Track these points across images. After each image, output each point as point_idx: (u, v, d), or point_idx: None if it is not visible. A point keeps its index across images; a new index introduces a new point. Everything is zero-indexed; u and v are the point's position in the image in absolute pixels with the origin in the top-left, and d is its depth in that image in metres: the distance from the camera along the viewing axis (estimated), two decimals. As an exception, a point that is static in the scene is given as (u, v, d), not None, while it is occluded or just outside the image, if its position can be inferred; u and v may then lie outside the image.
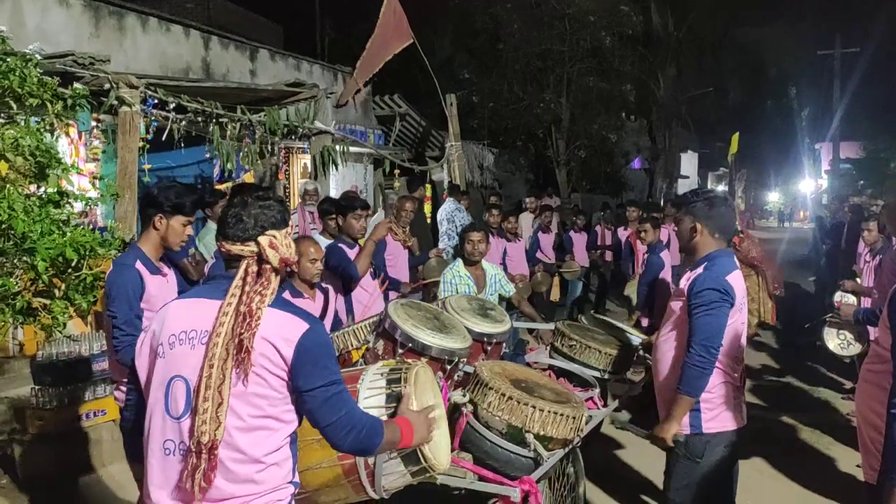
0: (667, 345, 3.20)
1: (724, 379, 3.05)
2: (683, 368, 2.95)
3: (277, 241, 1.98)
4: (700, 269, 3.04)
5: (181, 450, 1.89)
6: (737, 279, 3.01)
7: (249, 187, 4.98)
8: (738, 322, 3.03)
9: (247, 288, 1.92)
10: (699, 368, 2.90)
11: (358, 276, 4.81)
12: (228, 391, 1.86)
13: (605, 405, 4.07)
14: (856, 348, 4.98)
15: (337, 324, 4.31)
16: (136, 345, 2.05)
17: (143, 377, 2.02)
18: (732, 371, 3.08)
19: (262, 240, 1.96)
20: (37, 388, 4.87)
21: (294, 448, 2.03)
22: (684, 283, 3.10)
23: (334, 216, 5.45)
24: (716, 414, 3.04)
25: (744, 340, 3.14)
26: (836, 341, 4.98)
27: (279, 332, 1.91)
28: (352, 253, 4.91)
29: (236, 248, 1.97)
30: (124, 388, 3.28)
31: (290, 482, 2.02)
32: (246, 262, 1.96)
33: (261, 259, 1.97)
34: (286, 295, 3.99)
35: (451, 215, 8.75)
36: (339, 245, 4.91)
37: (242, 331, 1.86)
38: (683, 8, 19.84)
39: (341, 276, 4.87)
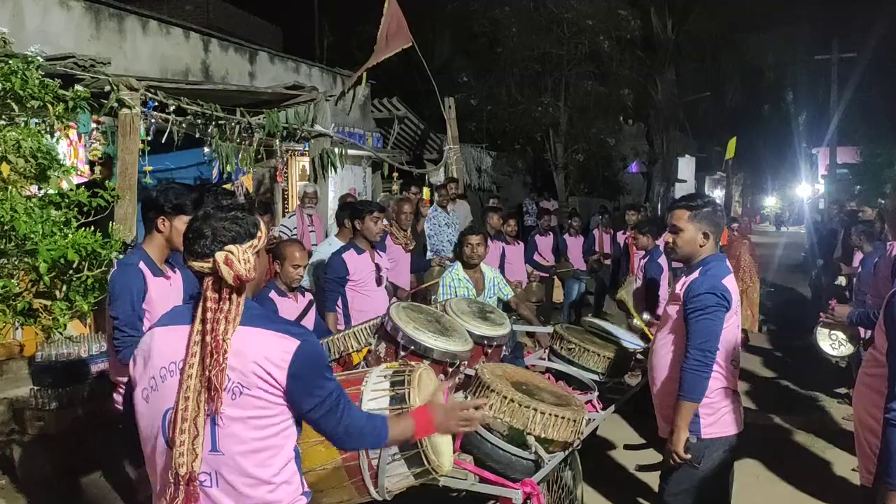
0: (663, 350, 3.16)
1: (722, 384, 3.03)
2: (682, 374, 2.92)
3: (234, 257, 1.87)
4: (695, 274, 3.01)
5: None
6: (732, 283, 3.00)
7: (216, 192, 4.98)
8: (733, 326, 3.01)
9: (209, 315, 1.85)
10: (698, 373, 2.88)
11: (322, 312, 4.80)
12: (204, 423, 1.84)
13: (603, 408, 4.09)
14: (847, 349, 5.00)
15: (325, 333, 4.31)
16: (129, 367, 2.03)
17: (136, 403, 2.01)
18: (730, 375, 3.06)
19: (219, 256, 1.86)
20: (36, 388, 4.87)
21: (298, 462, 2.03)
22: (680, 287, 3.06)
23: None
24: (714, 419, 3.02)
25: (739, 344, 3.12)
26: (828, 341, 5.00)
27: (268, 354, 1.87)
28: (359, 259, 4.93)
29: (197, 265, 1.90)
30: (122, 391, 3.31)
31: (303, 494, 2.02)
32: (206, 281, 1.89)
33: (219, 276, 1.89)
34: (272, 294, 4.02)
35: (428, 215, 8.63)
36: (342, 256, 4.91)
37: (210, 366, 1.82)
38: (682, 12, 19.91)
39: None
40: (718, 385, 3.01)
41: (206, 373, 1.82)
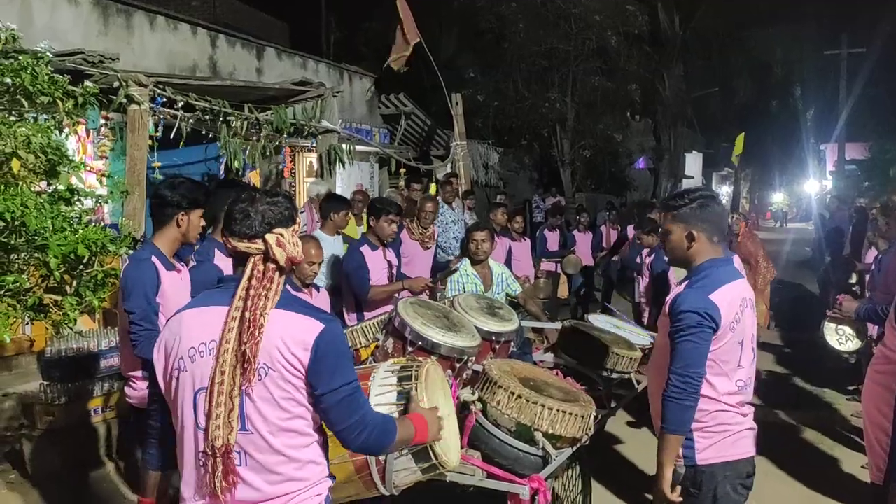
0: (654, 370, 2.88)
1: (720, 407, 2.65)
2: (663, 403, 2.57)
3: (285, 240, 1.94)
4: (682, 287, 2.68)
5: None
6: (727, 294, 2.60)
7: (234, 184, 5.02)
8: (731, 343, 2.62)
9: (251, 292, 1.89)
10: (678, 402, 2.53)
11: (363, 296, 4.83)
12: (240, 397, 1.86)
13: (611, 404, 4.08)
14: (854, 344, 4.98)
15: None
16: (153, 353, 2.04)
17: (164, 388, 2.02)
18: (732, 396, 2.67)
19: (270, 238, 1.92)
20: (45, 383, 4.90)
21: (326, 448, 2.05)
22: (668, 300, 2.71)
23: (343, 213, 5.50)
24: (711, 443, 2.65)
25: (745, 361, 2.69)
26: (835, 336, 4.99)
27: (294, 335, 1.89)
28: (373, 255, 4.95)
29: (243, 246, 1.93)
30: (135, 385, 3.33)
31: (328, 476, 2.05)
32: (252, 260, 1.93)
33: (267, 257, 1.93)
34: (287, 287, 4.03)
35: None
36: (360, 249, 4.93)
37: (246, 340, 1.85)
38: (690, 7, 19.81)
39: (348, 283, 4.93)
40: (715, 407, 2.64)
41: (242, 347, 1.85)
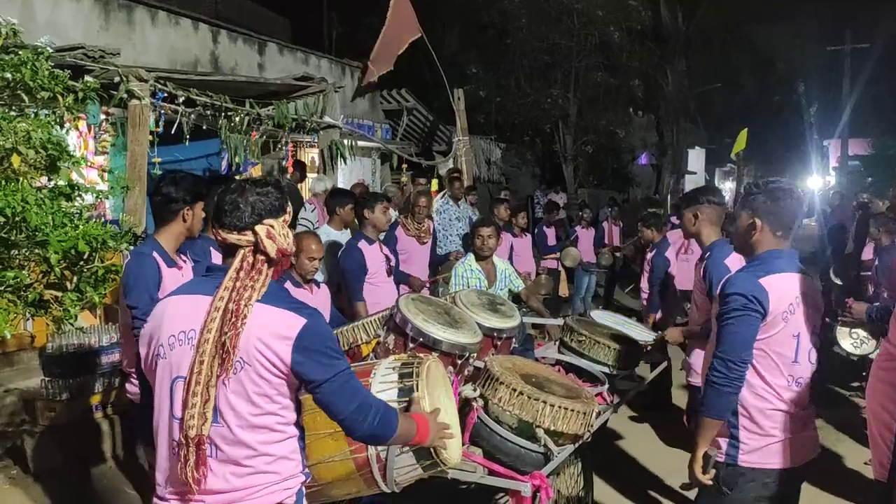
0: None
1: (771, 405, 2.58)
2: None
3: (275, 231, 1.93)
4: (733, 270, 2.69)
5: None
6: (779, 282, 2.55)
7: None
8: (784, 334, 2.56)
9: (238, 283, 1.88)
10: (718, 386, 2.50)
11: (354, 299, 4.82)
12: (216, 388, 1.85)
13: (613, 401, 4.06)
14: (869, 346, 4.94)
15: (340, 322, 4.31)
16: (139, 340, 2.04)
17: (146, 372, 2.03)
18: (786, 395, 2.59)
19: (260, 229, 1.91)
20: (46, 379, 4.90)
21: (302, 443, 2.04)
22: (721, 282, 2.70)
23: (348, 208, 5.49)
24: (757, 446, 2.58)
25: (801, 357, 2.62)
26: (850, 340, 4.94)
27: (275, 330, 1.87)
28: (370, 250, 4.94)
29: (233, 237, 1.92)
30: (136, 381, 3.32)
31: (302, 472, 2.04)
32: (242, 252, 1.92)
33: (257, 249, 1.93)
34: (287, 285, 4.03)
35: (439, 209, 8.34)
36: (358, 245, 4.91)
37: (227, 330, 1.83)
38: (692, 2, 19.75)
39: (344, 279, 4.92)
40: (768, 406, 2.58)
41: (222, 337, 1.84)
